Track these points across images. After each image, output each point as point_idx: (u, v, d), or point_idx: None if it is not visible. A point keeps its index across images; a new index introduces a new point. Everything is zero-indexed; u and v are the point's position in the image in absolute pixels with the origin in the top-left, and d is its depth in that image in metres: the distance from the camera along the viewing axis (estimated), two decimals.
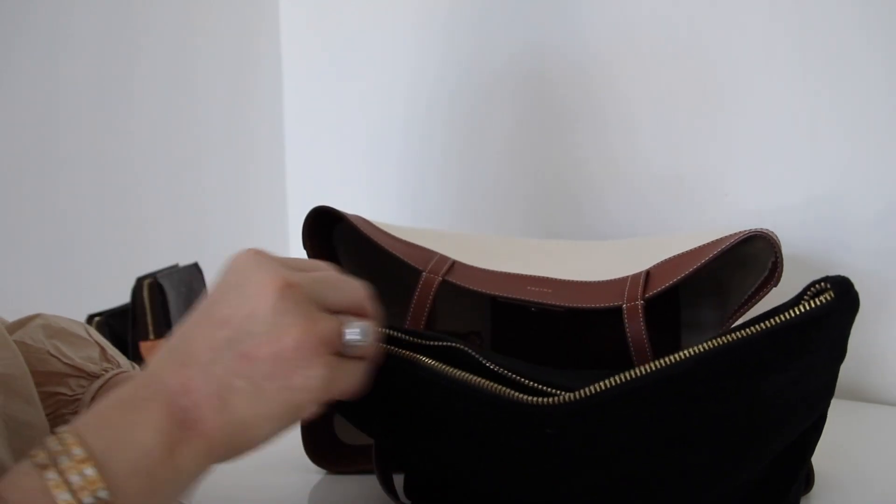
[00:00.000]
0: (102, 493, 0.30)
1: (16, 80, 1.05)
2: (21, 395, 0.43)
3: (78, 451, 0.31)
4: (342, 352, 0.36)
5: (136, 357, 0.91)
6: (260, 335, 0.34)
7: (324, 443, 0.49)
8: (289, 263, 0.37)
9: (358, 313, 0.38)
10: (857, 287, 0.40)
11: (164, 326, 0.91)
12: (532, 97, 1.06)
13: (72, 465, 0.30)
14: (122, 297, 0.96)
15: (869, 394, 0.77)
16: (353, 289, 0.39)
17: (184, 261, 1.05)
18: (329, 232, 0.60)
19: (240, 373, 0.34)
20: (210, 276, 1.07)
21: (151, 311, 0.91)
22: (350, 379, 0.37)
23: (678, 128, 0.92)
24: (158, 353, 0.36)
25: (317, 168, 1.35)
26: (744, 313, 0.53)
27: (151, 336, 0.91)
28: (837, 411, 0.70)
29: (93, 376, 0.54)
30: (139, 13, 1.18)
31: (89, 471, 0.30)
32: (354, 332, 0.36)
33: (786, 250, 0.52)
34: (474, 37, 1.11)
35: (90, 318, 0.93)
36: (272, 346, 0.34)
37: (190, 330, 0.36)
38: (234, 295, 0.35)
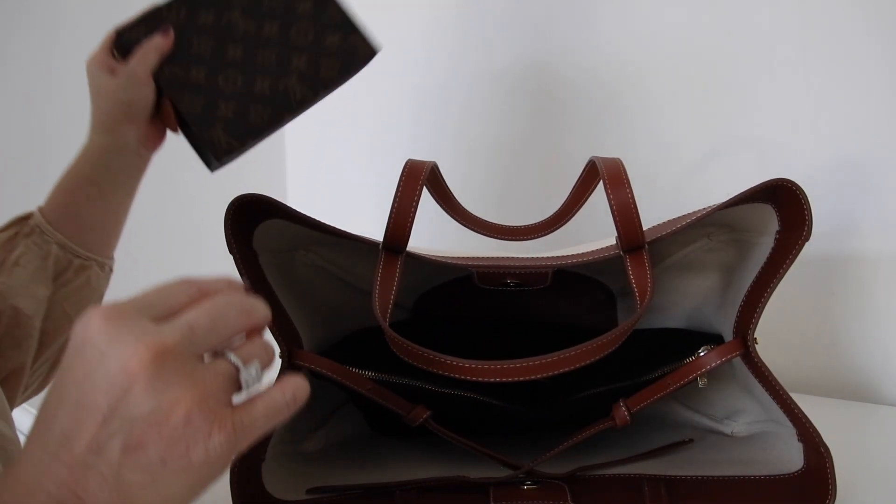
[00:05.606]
0: None
1: (13, 73, 1.05)
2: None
3: None
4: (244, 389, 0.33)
5: None
6: (142, 419, 0.29)
7: (254, 499, 0.48)
8: (149, 308, 0.32)
9: (253, 332, 0.35)
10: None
11: None
12: (541, 98, 1.02)
13: None
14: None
15: (882, 396, 0.74)
16: (237, 314, 0.33)
17: (182, 264, 1.05)
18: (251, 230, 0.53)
19: (132, 467, 0.30)
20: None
21: None
22: (264, 420, 0.32)
23: (685, 133, 0.88)
24: (28, 450, 0.30)
25: (318, 168, 1.33)
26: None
27: None
28: (849, 413, 0.71)
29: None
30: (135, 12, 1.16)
31: None
32: (249, 373, 0.33)
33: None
34: (480, 40, 1.08)
35: None
36: (160, 428, 0.29)
37: (62, 424, 0.30)
38: (100, 377, 0.29)
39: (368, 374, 0.51)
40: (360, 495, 0.50)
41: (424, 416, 0.51)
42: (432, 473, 0.51)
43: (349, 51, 0.69)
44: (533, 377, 0.44)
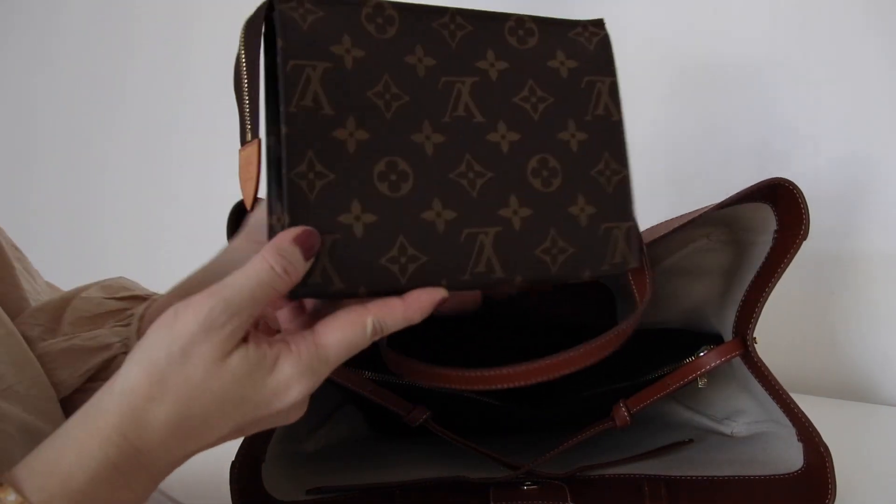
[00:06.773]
0: None
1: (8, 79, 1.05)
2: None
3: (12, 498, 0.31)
4: None
5: None
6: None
7: (254, 499, 0.48)
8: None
9: None
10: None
11: None
12: None
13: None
14: None
15: (882, 396, 0.75)
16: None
17: (183, 265, 1.04)
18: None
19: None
20: None
21: None
22: None
23: (682, 129, 0.88)
24: (165, 441, 0.33)
25: None
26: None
27: None
28: (849, 413, 0.71)
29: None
30: (134, 11, 1.17)
31: None
32: None
33: None
34: None
35: None
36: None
37: (214, 434, 0.34)
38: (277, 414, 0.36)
39: (368, 374, 0.52)
40: (360, 495, 0.50)
41: (424, 416, 0.51)
42: (432, 474, 0.51)
43: (593, 246, 0.43)
44: (533, 381, 0.44)
